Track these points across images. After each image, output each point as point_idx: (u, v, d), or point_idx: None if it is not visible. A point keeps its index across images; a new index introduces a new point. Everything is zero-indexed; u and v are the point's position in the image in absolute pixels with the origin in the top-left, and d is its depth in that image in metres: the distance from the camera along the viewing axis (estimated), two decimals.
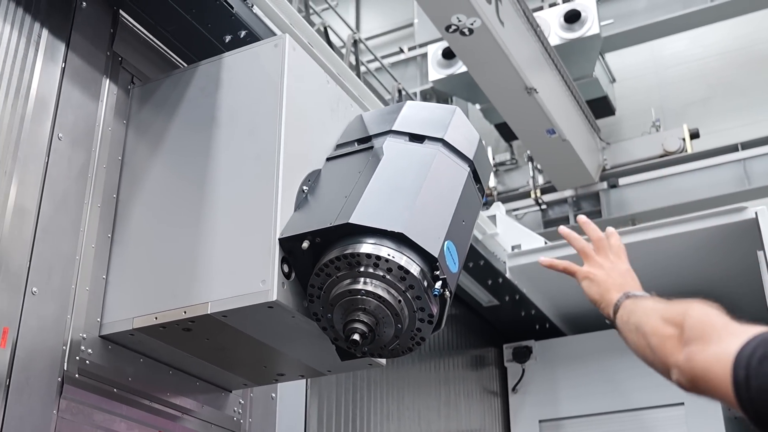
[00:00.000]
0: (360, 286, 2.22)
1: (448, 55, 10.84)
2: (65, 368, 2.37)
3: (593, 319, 5.68)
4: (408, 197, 2.38)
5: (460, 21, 6.80)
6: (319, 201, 2.46)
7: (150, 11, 2.87)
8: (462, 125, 2.75)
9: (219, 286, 2.38)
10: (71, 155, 2.56)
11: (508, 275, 5.27)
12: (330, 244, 2.29)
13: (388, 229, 2.26)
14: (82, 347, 2.44)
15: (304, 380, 3.66)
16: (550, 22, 10.08)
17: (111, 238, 2.64)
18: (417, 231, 2.28)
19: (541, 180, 11.27)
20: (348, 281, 2.24)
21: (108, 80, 2.77)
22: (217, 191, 2.53)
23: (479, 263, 5.04)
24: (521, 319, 5.81)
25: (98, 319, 2.52)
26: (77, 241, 2.51)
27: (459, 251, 2.41)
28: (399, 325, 2.25)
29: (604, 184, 10.05)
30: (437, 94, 12.18)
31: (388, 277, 2.22)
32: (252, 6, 2.96)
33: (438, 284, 2.24)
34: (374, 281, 2.23)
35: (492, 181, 11.03)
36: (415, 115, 2.73)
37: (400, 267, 2.21)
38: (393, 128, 2.66)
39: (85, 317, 2.48)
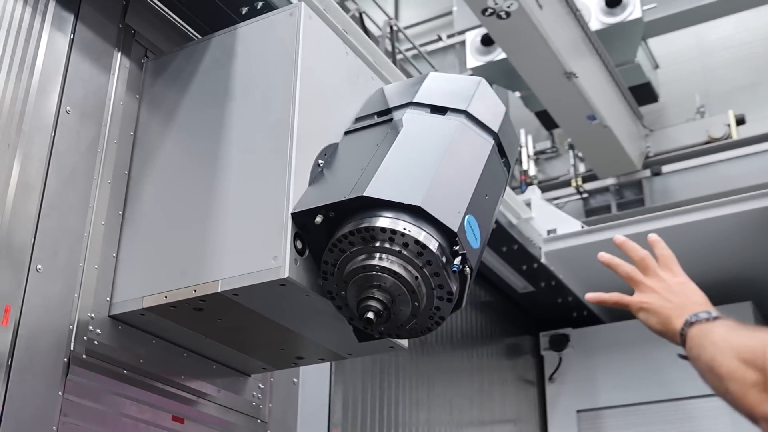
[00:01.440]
0: (375, 262, 2.11)
1: (486, 41, 10.64)
2: (72, 349, 2.29)
3: None
4: (427, 170, 2.26)
5: (496, 4, 6.63)
6: (335, 175, 2.34)
7: None
8: (487, 97, 2.62)
9: (230, 264, 2.28)
10: (80, 129, 2.48)
11: (543, 260, 5.11)
12: (344, 219, 2.18)
13: (405, 203, 2.14)
14: (90, 327, 2.36)
15: (329, 365, 3.56)
16: (591, 6, 9.88)
17: (122, 216, 2.56)
18: (435, 204, 2.16)
19: (582, 168, 11.08)
20: (362, 257, 2.13)
21: (120, 53, 2.68)
22: (229, 166, 2.43)
23: (513, 248, 4.89)
24: (558, 306, 5.65)
25: (108, 299, 2.44)
26: (85, 218, 2.43)
27: (481, 227, 2.28)
28: (416, 303, 2.13)
29: (647, 172, 9.79)
30: None
31: (404, 252, 2.10)
32: None
33: (457, 260, 2.11)
34: (390, 257, 2.11)
35: (532, 170, 10.84)
36: (438, 86, 2.60)
37: (417, 242, 2.09)
38: (414, 100, 2.54)
39: (94, 296, 2.40)
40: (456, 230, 2.13)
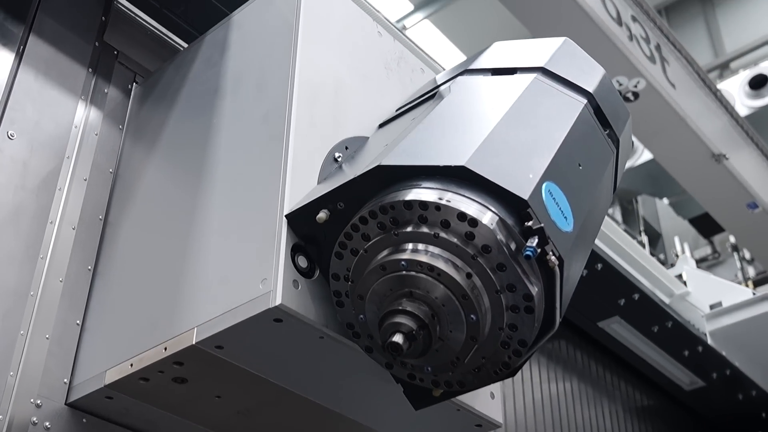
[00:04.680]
0: (400, 256, 1.33)
1: None
2: None
3: None
4: (478, 128, 1.50)
5: (621, 84, 5.93)
6: (355, 166, 1.61)
7: None
8: (576, 55, 1.89)
9: (209, 305, 1.55)
10: (28, 160, 1.87)
11: (710, 342, 4.08)
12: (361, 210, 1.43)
13: (442, 164, 1.38)
14: (35, 419, 1.66)
15: None
16: (733, 92, 9.06)
17: (93, 271, 1.89)
18: (491, 166, 1.39)
19: (752, 272, 9.91)
20: (385, 253, 1.36)
21: (96, 76, 2.10)
22: (216, 178, 1.75)
23: (669, 331, 3.92)
24: (739, 403, 4.51)
25: (65, 380, 1.74)
26: (32, 273, 1.77)
27: (573, 202, 1.47)
28: (472, 317, 1.32)
29: None
30: (619, 194, 11.15)
31: (444, 236, 1.32)
32: None
33: (532, 240, 1.31)
34: (424, 246, 1.33)
35: None
36: (506, 50, 1.89)
37: (463, 216, 1.31)
38: (470, 67, 1.82)
39: (42, 377, 1.70)
40: (526, 198, 1.34)
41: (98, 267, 1.90)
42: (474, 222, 1.30)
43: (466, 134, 1.48)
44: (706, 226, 9.61)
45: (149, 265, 1.78)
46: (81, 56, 2.08)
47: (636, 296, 3.54)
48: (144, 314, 1.69)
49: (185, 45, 2.29)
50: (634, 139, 8.82)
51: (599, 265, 3.33)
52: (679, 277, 4.47)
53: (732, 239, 9.83)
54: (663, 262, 9.54)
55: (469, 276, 1.31)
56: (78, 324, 1.81)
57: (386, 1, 11.08)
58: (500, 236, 1.31)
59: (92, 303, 1.85)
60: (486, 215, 1.32)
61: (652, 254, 10.12)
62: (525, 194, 1.35)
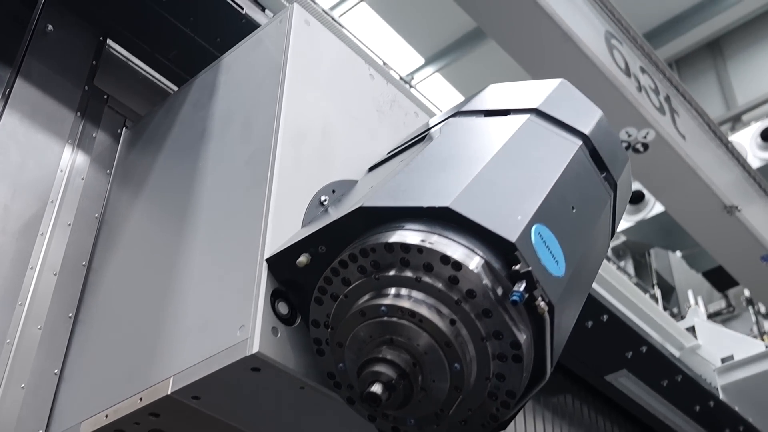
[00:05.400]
0: (380, 301, 1.27)
1: (635, 199, 9.82)
2: None
3: None
4: (466, 169, 1.45)
5: (630, 135, 5.86)
6: (339, 210, 1.55)
7: (145, 36, 2.20)
8: (572, 97, 1.84)
9: (186, 353, 1.49)
10: (10, 204, 1.82)
11: (722, 397, 3.96)
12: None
13: (425, 206, 1.32)
14: None
15: None
16: (745, 144, 8.99)
17: (73, 318, 1.83)
18: (477, 206, 1.33)
19: (767, 326, 9.74)
20: (365, 298, 1.30)
21: (84, 120, 2.07)
22: (199, 223, 1.69)
23: (679, 386, 3.80)
24: None
25: None
26: (9, 320, 1.72)
27: (565, 246, 1.41)
28: (456, 366, 1.25)
29: None
30: (631, 247, 11.03)
31: (426, 279, 1.25)
32: (264, 9, 2.21)
33: (520, 285, 1.24)
34: (406, 291, 1.27)
35: None
36: (500, 92, 1.84)
37: (446, 259, 1.24)
38: (463, 109, 1.77)
39: (15, 428, 1.64)
40: (513, 240, 1.28)
41: (79, 314, 1.84)
42: (458, 265, 1.24)
43: (453, 175, 1.42)
44: (720, 279, 9.48)
45: (130, 312, 1.72)
46: (69, 100, 2.05)
47: (644, 349, 3.44)
48: (122, 363, 1.63)
49: (176, 88, 2.25)
50: (645, 191, 8.75)
51: (605, 317, 3.23)
52: (691, 329, 4.36)
53: (747, 293, 9.68)
54: (676, 316, 9.40)
55: (452, 322, 1.24)
56: (56, 373, 1.75)
57: (398, 55, 11.17)
58: (486, 281, 1.25)
59: (72, 351, 1.79)
60: (471, 258, 1.25)
61: (666, 308, 9.98)
62: (512, 237, 1.29)
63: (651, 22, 11.60)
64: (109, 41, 2.21)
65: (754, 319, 9.98)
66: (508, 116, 1.70)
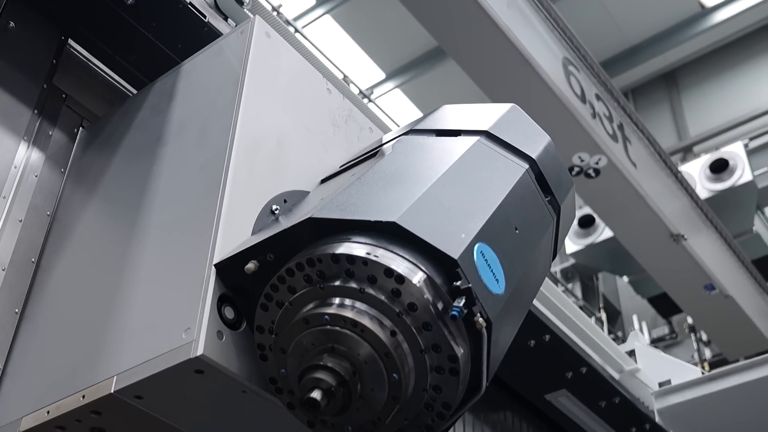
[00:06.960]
0: (324, 310, 1.30)
1: (585, 223, 9.95)
2: None
3: None
4: (414, 186, 1.50)
5: (582, 161, 5.94)
6: (290, 220, 1.59)
7: (106, 38, 2.21)
8: (521, 121, 1.89)
9: (131, 353, 1.51)
10: None
11: (657, 420, 4.05)
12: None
13: (373, 219, 1.36)
14: None
15: None
16: (694, 174, 9.14)
17: (19, 314, 1.84)
18: (423, 223, 1.37)
19: (708, 353, 9.90)
20: (310, 306, 1.34)
21: (41, 118, 2.08)
22: (150, 226, 1.72)
23: (617, 408, 3.89)
24: None
25: None
26: None
27: (506, 265, 1.46)
28: (395, 376, 1.29)
29: None
30: (579, 270, 11.17)
31: (369, 291, 1.30)
32: (227, 19, 2.24)
33: (459, 300, 1.29)
34: (350, 301, 1.31)
35: None
36: (452, 113, 1.90)
37: (389, 272, 1.29)
38: (415, 128, 1.82)
39: None
40: (456, 257, 1.33)
41: (26, 310, 1.85)
42: (401, 279, 1.28)
43: (402, 191, 1.47)
44: (664, 306, 9.61)
45: (77, 310, 1.74)
46: (27, 97, 2.06)
47: (584, 370, 3.51)
48: (66, 360, 1.64)
49: (135, 91, 2.27)
50: (595, 215, 8.85)
51: (547, 337, 3.30)
52: (631, 353, 4.45)
53: (689, 320, 9.84)
54: (618, 339, 9.51)
55: (393, 334, 1.29)
56: None
57: (359, 69, 11.22)
58: (427, 295, 1.29)
59: (16, 347, 1.80)
60: (414, 273, 1.30)
61: (611, 331, 10.11)
62: (455, 254, 1.33)
63: (608, 51, 11.82)
64: (71, 41, 2.22)
65: (695, 346, 10.12)
66: (459, 137, 1.75)
